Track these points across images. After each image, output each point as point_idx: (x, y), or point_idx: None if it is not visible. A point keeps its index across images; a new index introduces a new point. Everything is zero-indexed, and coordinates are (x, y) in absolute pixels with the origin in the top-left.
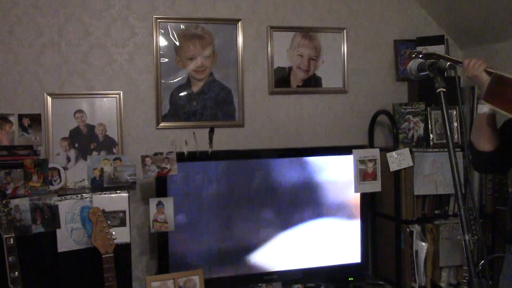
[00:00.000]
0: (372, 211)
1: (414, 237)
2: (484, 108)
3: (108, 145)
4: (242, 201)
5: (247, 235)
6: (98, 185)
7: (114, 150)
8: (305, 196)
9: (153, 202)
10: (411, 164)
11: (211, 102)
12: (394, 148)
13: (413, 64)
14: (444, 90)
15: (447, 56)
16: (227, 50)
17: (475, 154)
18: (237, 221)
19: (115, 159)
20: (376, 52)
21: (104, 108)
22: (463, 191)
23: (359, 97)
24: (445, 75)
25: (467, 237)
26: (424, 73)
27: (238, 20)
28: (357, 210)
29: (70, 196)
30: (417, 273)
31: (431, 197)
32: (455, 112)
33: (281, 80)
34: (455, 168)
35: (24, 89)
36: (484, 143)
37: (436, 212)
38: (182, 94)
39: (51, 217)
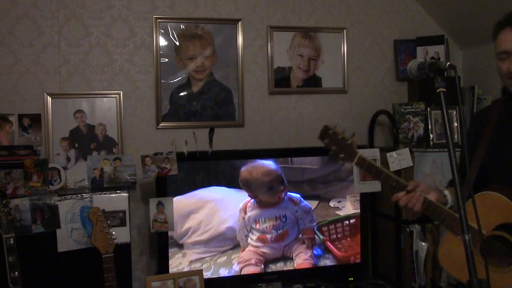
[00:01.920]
0: (372, 211)
1: (414, 237)
2: None
3: (108, 145)
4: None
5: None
6: (98, 185)
7: (114, 150)
8: (305, 196)
9: (153, 202)
10: (411, 164)
11: (211, 102)
12: (394, 148)
13: (413, 64)
14: (444, 90)
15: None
16: (227, 50)
17: None
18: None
19: (115, 159)
20: (376, 52)
21: (104, 108)
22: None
23: (359, 97)
24: (445, 75)
25: (467, 237)
26: (423, 72)
27: (238, 20)
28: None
29: (70, 196)
30: (417, 273)
31: None
32: (455, 112)
33: (281, 80)
34: (455, 168)
35: (24, 89)
36: None
37: None
38: (182, 94)
39: (51, 217)
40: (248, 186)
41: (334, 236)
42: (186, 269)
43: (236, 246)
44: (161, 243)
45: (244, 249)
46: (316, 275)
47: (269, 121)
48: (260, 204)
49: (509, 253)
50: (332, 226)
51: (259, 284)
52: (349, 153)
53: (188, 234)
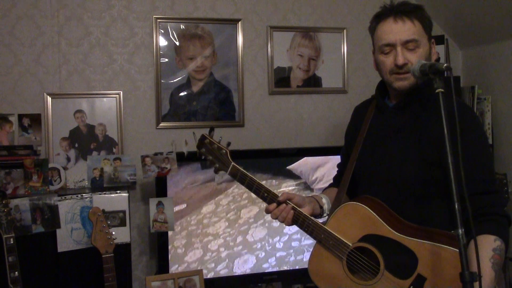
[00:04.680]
0: None
1: None
2: None
3: (108, 145)
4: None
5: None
6: (98, 185)
7: (114, 150)
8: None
9: (153, 202)
10: None
11: (211, 102)
12: None
13: (416, 65)
14: (442, 90)
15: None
16: (227, 50)
17: None
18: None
19: (115, 159)
20: None
21: (104, 108)
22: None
23: (359, 97)
24: (446, 75)
25: (460, 232)
26: (425, 73)
27: (238, 20)
28: None
29: (70, 196)
30: None
31: None
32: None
33: (281, 80)
34: (451, 168)
35: (24, 89)
36: None
37: None
38: (182, 94)
39: (51, 217)
40: None
41: None
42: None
43: None
44: (161, 243)
45: None
46: None
47: (269, 121)
48: None
49: (372, 266)
50: None
51: (259, 284)
52: (224, 162)
53: (316, 182)
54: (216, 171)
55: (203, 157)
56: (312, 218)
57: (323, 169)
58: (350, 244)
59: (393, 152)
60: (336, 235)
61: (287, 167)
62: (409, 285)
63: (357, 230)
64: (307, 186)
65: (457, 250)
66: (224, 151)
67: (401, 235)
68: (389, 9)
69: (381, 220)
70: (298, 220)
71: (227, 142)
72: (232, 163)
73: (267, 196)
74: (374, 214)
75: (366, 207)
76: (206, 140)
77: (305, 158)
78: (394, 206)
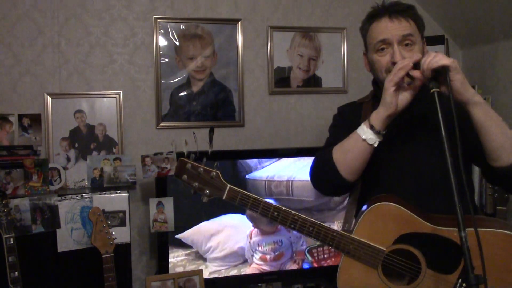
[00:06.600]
0: None
1: None
2: (374, 137)
3: (108, 145)
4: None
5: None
6: (98, 185)
7: (114, 150)
8: (305, 197)
9: (153, 202)
10: None
11: (211, 102)
12: None
13: None
14: (438, 90)
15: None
16: (227, 50)
17: (333, 179)
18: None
19: (115, 159)
20: None
21: (104, 108)
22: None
23: (359, 97)
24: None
25: (463, 234)
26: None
27: (238, 20)
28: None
29: (70, 196)
30: None
31: None
32: None
33: (281, 80)
34: (450, 168)
35: (24, 89)
36: (351, 173)
37: None
38: (182, 94)
39: (51, 217)
40: (253, 220)
41: (322, 257)
42: None
43: (245, 262)
44: (161, 243)
45: (251, 265)
46: (316, 275)
47: (269, 121)
48: (262, 232)
49: (413, 267)
50: (320, 249)
51: (259, 284)
52: (216, 187)
53: (210, 251)
54: (207, 197)
55: (184, 185)
56: (336, 229)
57: (217, 238)
58: (384, 249)
59: (416, 146)
60: (367, 242)
61: (176, 236)
62: (458, 279)
63: (390, 232)
64: (199, 256)
65: (502, 231)
66: (214, 174)
67: (440, 228)
68: (382, 9)
69: (415, 215)
70: (319, 235)
71: (215, 163)
72: (229, 185)
73: (278, 215)
74: (407, 210)
75: (398, 205)
76: (187, 165)
77: (198, 226)
78: (424, 200)
